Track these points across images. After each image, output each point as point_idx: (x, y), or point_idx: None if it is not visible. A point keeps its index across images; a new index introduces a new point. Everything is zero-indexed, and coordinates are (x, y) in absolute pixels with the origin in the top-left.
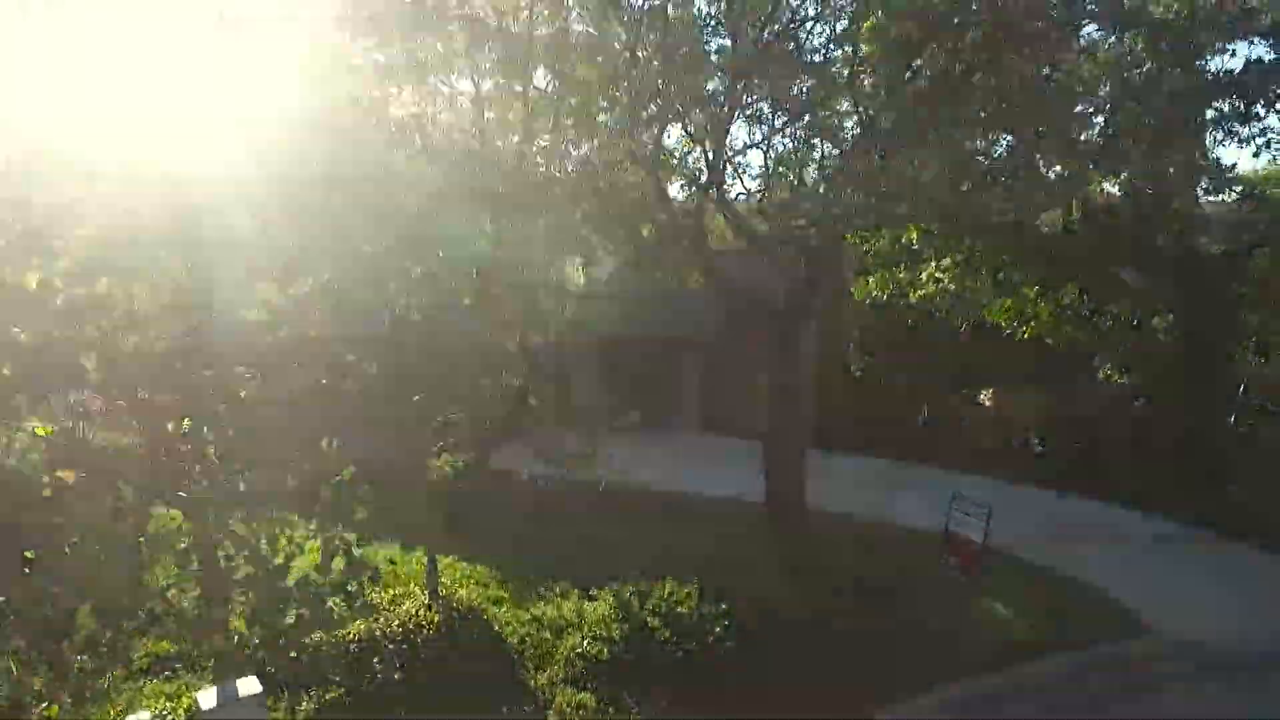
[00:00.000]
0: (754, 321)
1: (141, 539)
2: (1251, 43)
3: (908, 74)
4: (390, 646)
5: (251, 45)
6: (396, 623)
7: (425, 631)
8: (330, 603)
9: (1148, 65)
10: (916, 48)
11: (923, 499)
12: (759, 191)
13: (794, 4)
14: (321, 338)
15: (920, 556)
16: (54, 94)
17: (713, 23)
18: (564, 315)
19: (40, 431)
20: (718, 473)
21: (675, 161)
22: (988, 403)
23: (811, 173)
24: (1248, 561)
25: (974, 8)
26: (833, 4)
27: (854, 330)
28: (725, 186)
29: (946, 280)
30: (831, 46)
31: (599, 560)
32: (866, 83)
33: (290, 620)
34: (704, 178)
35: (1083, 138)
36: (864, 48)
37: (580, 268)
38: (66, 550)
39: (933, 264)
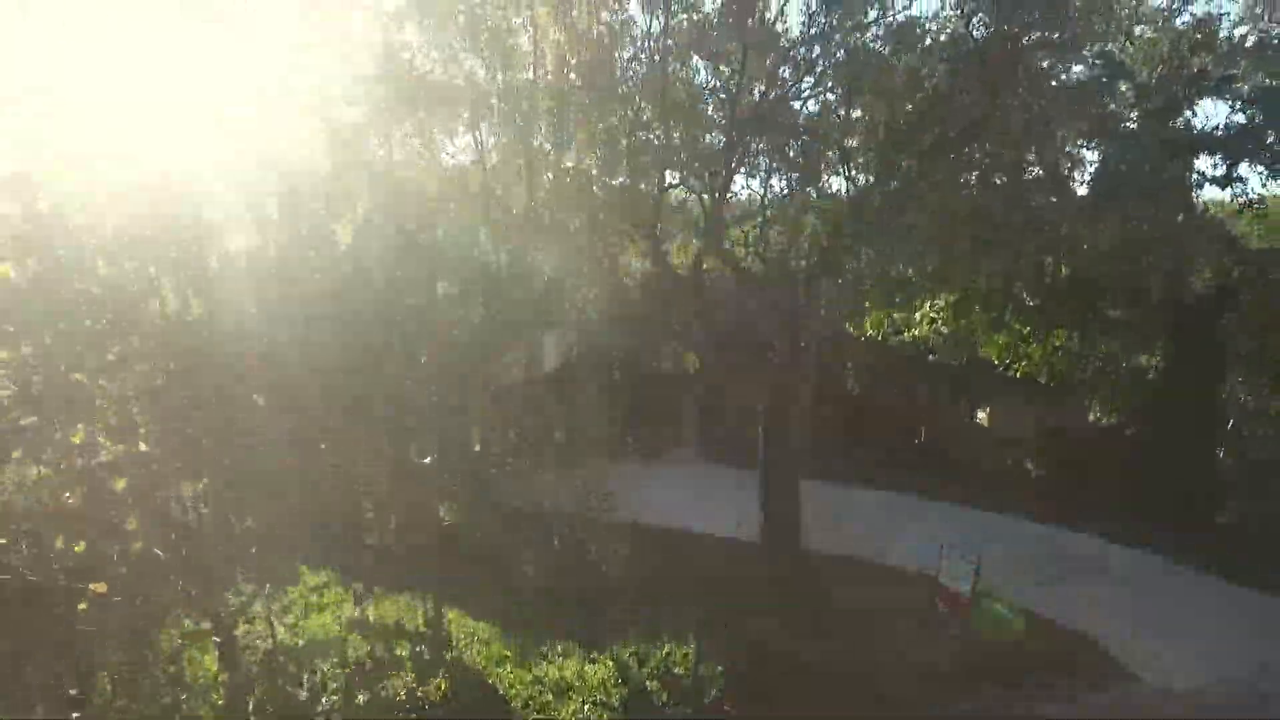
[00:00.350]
0: (751, 363)
1: (180, 684)
2: (1232, 106)
3: (898, 155)
4: (399, 715)
5: (267, 116)
6: (404, 690)
7: (432, 697)
8: None
9: (1135, 113)
10: (905, 134)
11: (917, 536)
12: (757, 243)
13: (786, 75)
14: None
15: (912, 602)
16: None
17: (710, 85)
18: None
19: (77, 549)
20: (717, 508)
21: (675, 206)
22: (985, 421)
23: (808, 221)
24: (1233, 599)
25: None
26: (825, 83)
27: (852, 360)
28: (724, 234)
29: (940, 322)
30: (832, 113)
31: (599, 609)
32: (856, 167)
33: None
34: (702, 223)
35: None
36: (855, 113)
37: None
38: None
39: (927, 304)
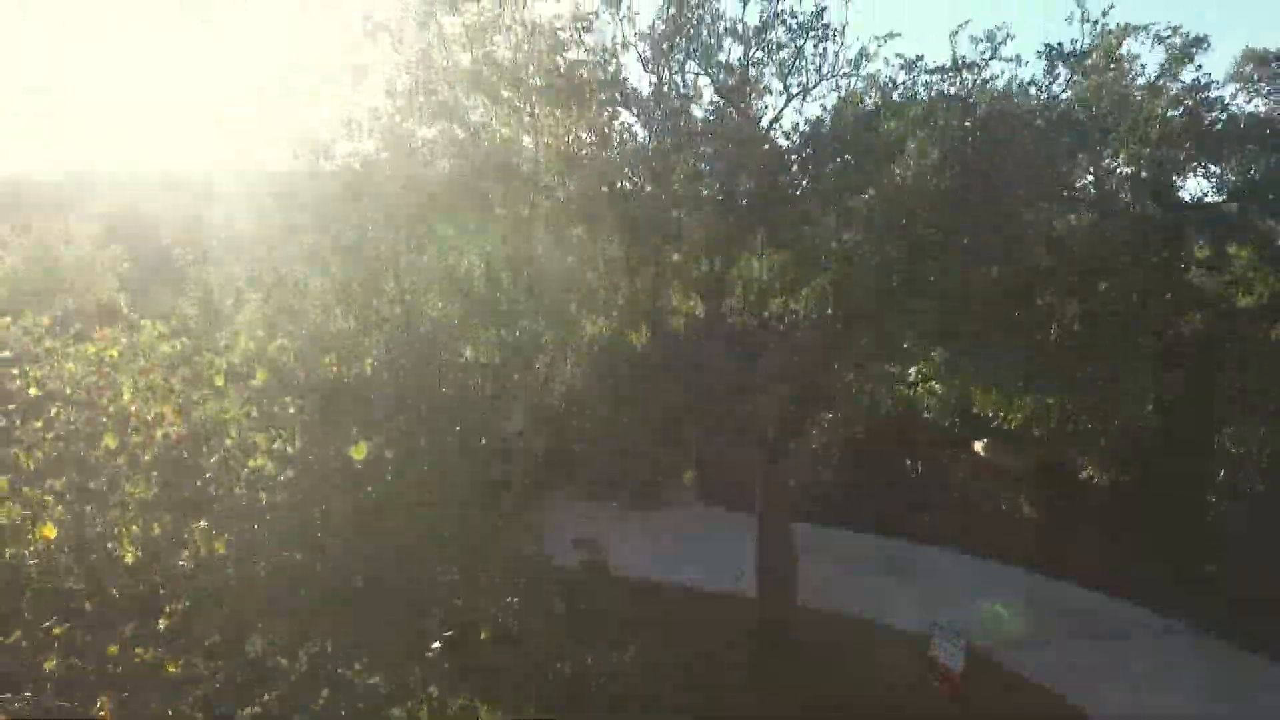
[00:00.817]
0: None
1: None
2: (1217, 188)
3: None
4: None
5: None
6: None
7: None
8: None
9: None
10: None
11: (912, 589)
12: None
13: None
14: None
15: (907, 669)
16: None
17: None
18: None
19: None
20: (713, 558)
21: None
22: (981, 452)
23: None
24: (1230, 663)
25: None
26: (821, 184)
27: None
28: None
29: (933, 382)
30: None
31: (589, 687)
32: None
33: None
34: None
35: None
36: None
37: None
38: None
39: (920, 362)
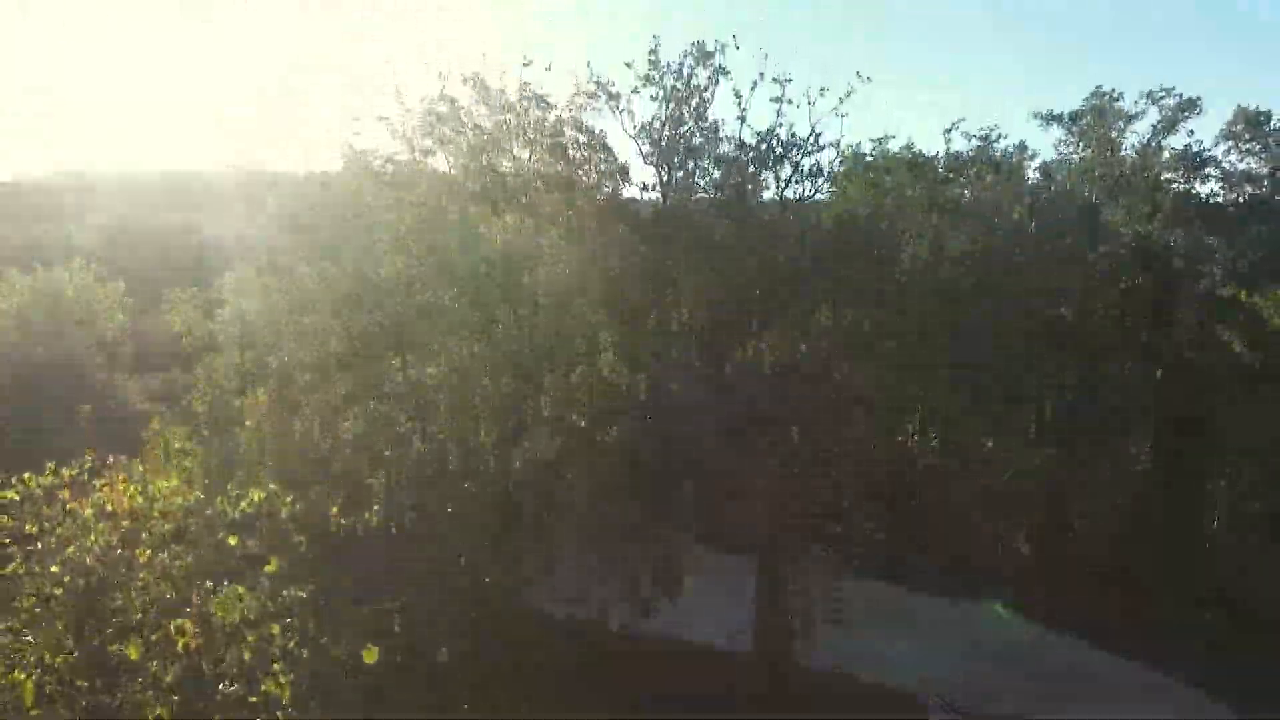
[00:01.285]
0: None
1: None
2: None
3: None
4: None
5: None
6: None
7: None
8: None
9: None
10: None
11: (909, 643)
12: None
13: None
14: None
15: None
16: None
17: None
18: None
19: None
20: (711, 606)
21: None
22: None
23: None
24: None
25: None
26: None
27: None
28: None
29: (931, 441)
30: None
31: None
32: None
33: None
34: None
35: None
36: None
37: None
38: None
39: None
